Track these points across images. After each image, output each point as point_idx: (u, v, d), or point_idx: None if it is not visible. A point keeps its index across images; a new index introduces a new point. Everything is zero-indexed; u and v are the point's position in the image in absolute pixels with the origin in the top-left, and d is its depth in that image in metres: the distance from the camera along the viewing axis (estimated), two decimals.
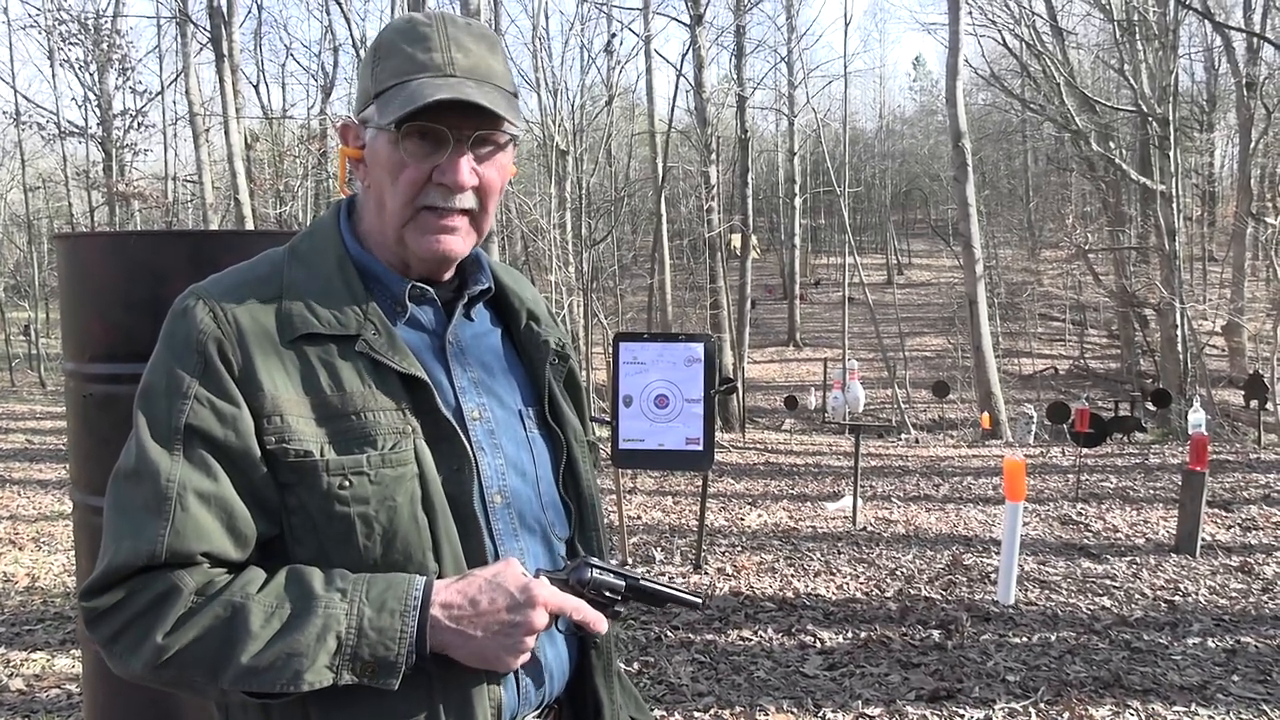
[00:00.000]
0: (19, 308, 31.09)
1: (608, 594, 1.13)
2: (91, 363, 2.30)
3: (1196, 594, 5.15)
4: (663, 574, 5.45)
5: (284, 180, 21.34)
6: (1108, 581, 5.39)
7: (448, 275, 1.23)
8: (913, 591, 5.17)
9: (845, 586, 5.27)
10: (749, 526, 6.92)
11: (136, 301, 2.23)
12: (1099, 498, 8.16)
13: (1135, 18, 23.84)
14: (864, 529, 6.80)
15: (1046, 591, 5.19)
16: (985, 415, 16.82)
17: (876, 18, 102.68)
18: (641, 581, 1.17)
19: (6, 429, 13.36)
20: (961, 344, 29.42)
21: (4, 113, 28.01)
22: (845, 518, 7.17)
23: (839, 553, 6.05)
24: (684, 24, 22.06)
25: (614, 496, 5.93)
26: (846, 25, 34.90)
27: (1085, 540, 6.52)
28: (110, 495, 1.06)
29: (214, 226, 16.49)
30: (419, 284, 1.18)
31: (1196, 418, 9.92)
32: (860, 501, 7.24)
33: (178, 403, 1.05)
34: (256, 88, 27.76)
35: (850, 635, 4.45)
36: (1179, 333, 21.62)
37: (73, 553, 4.74)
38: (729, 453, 11.86)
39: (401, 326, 1.16)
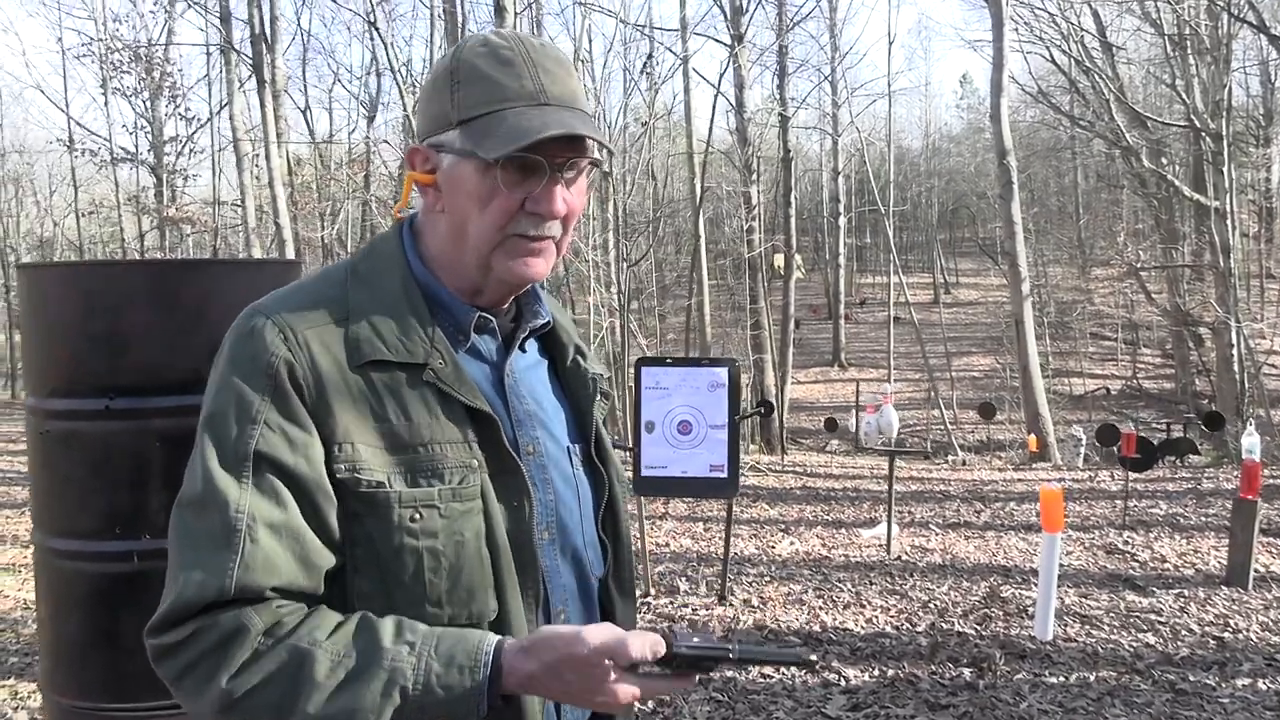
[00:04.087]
0: None
1: (701, 664, 1.05)
2: (50, 398, 2.21)
3: (1248, 630, 4.88)
4: (686, 605, 5.30)
5: (328, 203, 21.57)
6: (1153, 616, 5.14)
7: (506, 304, 1.22)
8: (945, 626, 4.96)
9: (875, 620, 5.07)
10: (780, 555, 6.73)
11: (94, 334, 2.14)
12: (1147, 525, 7.86)
13: (1186, 31, 23.36)
14: (898, 558, 6.59)
15: (1087, 627, 4.95)
16: (1033, 437, 16.43)
17: (921, 35, 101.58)
18: (738, 652, 1.05)
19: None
20: (1009, 364, 28.89)
21: (59, 140, 28.70)
22: (880, 545, 6.96)
23: (870, 583, 5.85)
24: (724, 44, 21.99)
25: (640, 522, 5.79)
26: (890, 43, 34.80)
27: (1130, 571, 6.26)
28: (175, 525, 1.03)
29: (256, 250, 16.67)
30: (485, 313, 1.16)
31: (1250, 441, 9.53)
32: (896, 528, 7.04)
33: (247, 428, 1.02)
34: (305, 113, 28.10)
35: (877, 673, 4.26)
36: (1235, 351, 21.04)
37: None
38: (766, 476, 11.66)
39: (463, 355, 1.15)
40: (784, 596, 5.51)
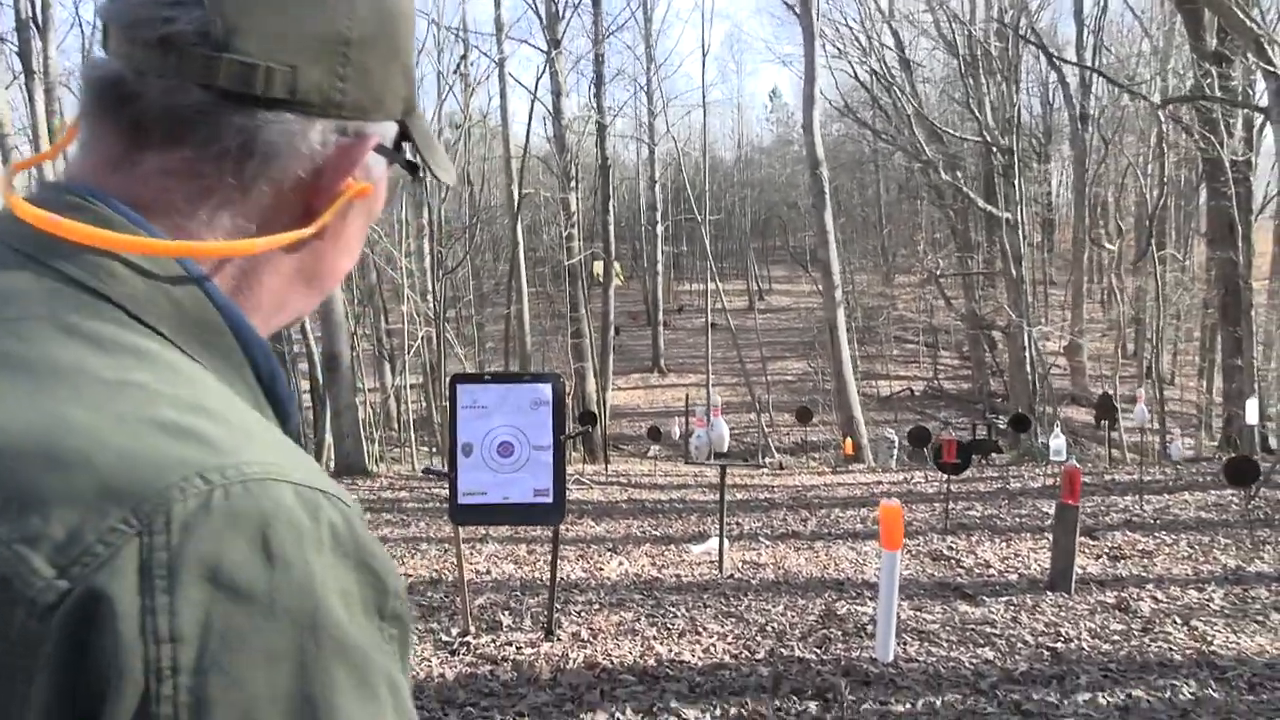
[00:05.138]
0: None
1: None
2: None
3: (1079, 639, 4.86)
4: (509, 642, 4.86)
5: None
6: (987, 628, 5.06)
7: None
8: (785, 651, 4.72)
9: (712, 649, 4.78)
10: (609, 578, 6.38)
11: None
12: (967, 529, 7.95)
13: (979, 52, 24.63)
14: (731, 576, 6.35)
15: (926, 644, 4.82)
16: (848, 440, 16.78)
17: (734, 49, 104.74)
18: None
19: None
20: (822, 367, 29.75)
21: None
22: (711, 562, 6.72)
23: (705, 606, 5.57)
24: (540, 49, 21.63)
25: (457, 552, 5.30)
26: (705, 55, 35.29)
27: (959, 578, 6.23)
28: None
29: None
30: None
31: (1058, 444, 9.93)
32: (727, 542, 6.80)
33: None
34: None
35: (719, 711, 3.95)
36: (1027, 354, 22.24)
37: None
38: (590, 489, 11.33)
39: None
40: (615, 626, 5.15)
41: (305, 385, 18.94)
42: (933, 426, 20.50)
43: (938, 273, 31.08)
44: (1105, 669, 4.42)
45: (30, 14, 13.99)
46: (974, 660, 4.57)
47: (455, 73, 20.46)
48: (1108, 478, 10.89)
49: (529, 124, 17.30)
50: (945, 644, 4.84)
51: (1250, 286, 16.81)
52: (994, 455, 15.05)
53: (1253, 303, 16.74)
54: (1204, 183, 21.41)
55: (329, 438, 14.42)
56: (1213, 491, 9.23)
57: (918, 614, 5.38)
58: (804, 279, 45.91)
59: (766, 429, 23.55)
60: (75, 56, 24.80)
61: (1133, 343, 31.72)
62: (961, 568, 6.57)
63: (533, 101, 19.76)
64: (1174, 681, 4.23)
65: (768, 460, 18.07)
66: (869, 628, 5.05)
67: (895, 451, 17.29)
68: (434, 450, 18.95)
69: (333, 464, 13.09)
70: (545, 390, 4.95)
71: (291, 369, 18.94)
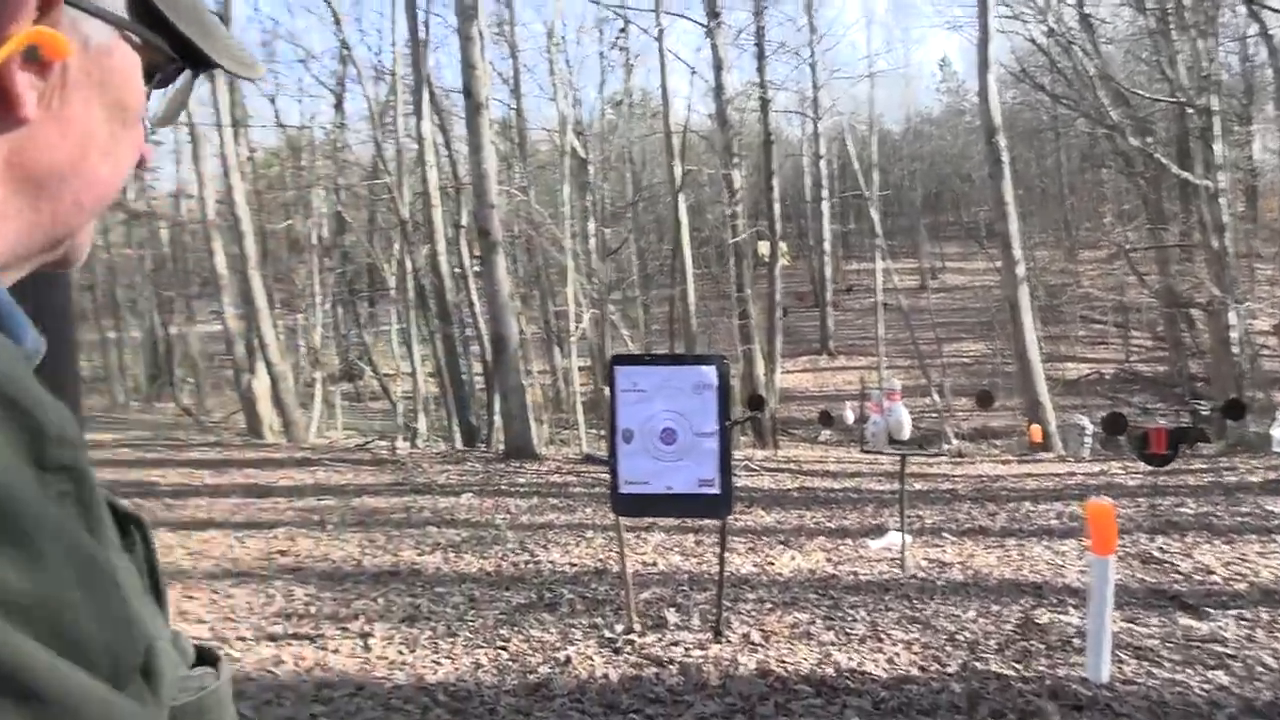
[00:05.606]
0: None
1: None
2: None
3: None
4: (676, 643, 4.55)
5: (297, 193, 20.72)
6: (1217, 647, 4.42)
7: None
8: (980, 666, 4.23)
9: (897, 659, 4.34)
10: (781, 574, 5.99)
11: None
12: (1179, 528, 7.16)
13: (1169, 4, 22.71)
14: (914, 575, 5.86)
15: (1145, 664, 4.23)
16: (1035, 427, 15.75)
17: (899, 16, 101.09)
18: None
19: None
20: (1002, 349, 28.33)
21: None
22: (892, 559, 6.24)
23: (887, 609, 5.12)
24: (700, 24, 21.22)
25: (619, 545, 5.02)
26: (870, 24, 34.02)
27: (1176, 586, 5.55)
28: None
29: (217, 245, 15.79)
30: None
31: None
32: (909, 537, 6.30)
33: None
34: (274, 101, 27.07)
35: None
36: (1232, 334, 20.46)
37: None
38: (761, 476, 10.92)
39: None
40: (789, 629, 4.77)
41: (478, 368, 19.24)
42: (1128, 412, 19.11)
43: (1127, 247, 29.07)
44: None
45: (215, 8, 14.55)
46: (1205, 685, 3.97)
47: (614, 46, 20.28)
48: None
49: (689, 99, 16.92)
50: (1167, 664, 4.24)
51: None
52: (1200, 445, 13.82)
53: None
54: None
55: (498, 420, 14.51)
56: None
57: (1131, 627, 4.77)
58: (980, 255, 44.00)
59: (943, 413, 22.55)
60: (259, 51, 25.84)
61: None
62: (1178, 573, 5.86)
63: (692, 76, 19.40)
64: None
65: (945, 446, 17.20)
66: (1075, 641, 4.50)
67: (1087, 440, 16.10)
68: (602, 434, 18.95)
69: (502, 446, 13.14)
70: (709, 373, 4.59)
71: (464, 352, 19.29)
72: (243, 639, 4.94)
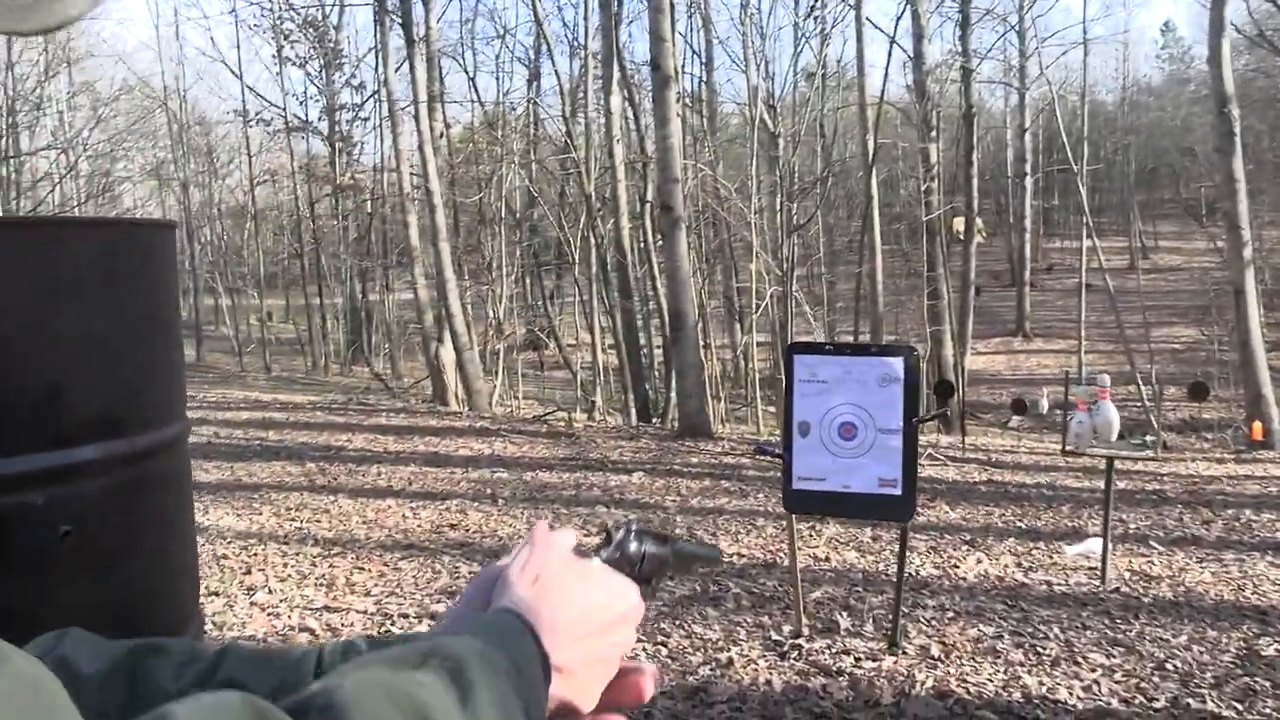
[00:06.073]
0: (250, 296, 32.81)
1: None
2: None
3: None
4: (846, 651, 4.28)
5: (490, 167, 21.18)
6: None
7: None
8: (1194, 703, 3.77)
9: (1095, 687, 3.92)
10: (965, 579, 5.59)
11: None
12: None
13: None
14: (1116, 589, 5.35)
15: None
16: (1257, 424, 14.42)
17: None
18: (683, 544, 0.88)
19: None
20: (1219, 336, 26.20)
21: (235, 111, 29.51)
22: (1090, 569, 5.73)
23: (1084, 627, 4.67)
24: None
25: (790, 544, 4.77)
26: None
27: None
28: None
29: (411, 218, 16.32)
30: None
31: None
32: (1110, 545, 5.77)
33: None
34: (473, 79, 27.72)
35: None
36: None
37: None
38: (945, 466, 10.38)
39: None
40: (972, 643, 4.41)
41: (658, 342, 19.23)
42: None
43: None
44: None
45: None
46: None
47: (809, 16, 19.70)
48: None
49: (886, 69, 16.25)
50: None
51: None
52: None
53: None
54: None
55: (673, 396, 14.43)
56: None
57: None
58: (1198, 234, 40.86)
59: (1149, 403, 21.01)
60: (457, 28, 26.51)
61: None
62: None
63: (891, 46, 18.63)
64: None
65: (1148, 438, 16.00)
66: None
67: None
68: (770, 433, 18.65)
69: (676, 423, 13.04)
70: (896, 365, 4.26)
71: (644, 326, 19.32)
72: (405, 615, 4.98)
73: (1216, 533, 7.03)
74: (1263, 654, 4.31)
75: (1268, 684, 3.97)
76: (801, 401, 4.30)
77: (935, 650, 4.30)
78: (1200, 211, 40.10)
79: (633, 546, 0.83)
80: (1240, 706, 3.76)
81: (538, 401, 21.10)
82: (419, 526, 7.00)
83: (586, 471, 9.19)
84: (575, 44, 22.60)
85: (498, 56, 36.15)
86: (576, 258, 19.75)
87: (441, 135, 19.06)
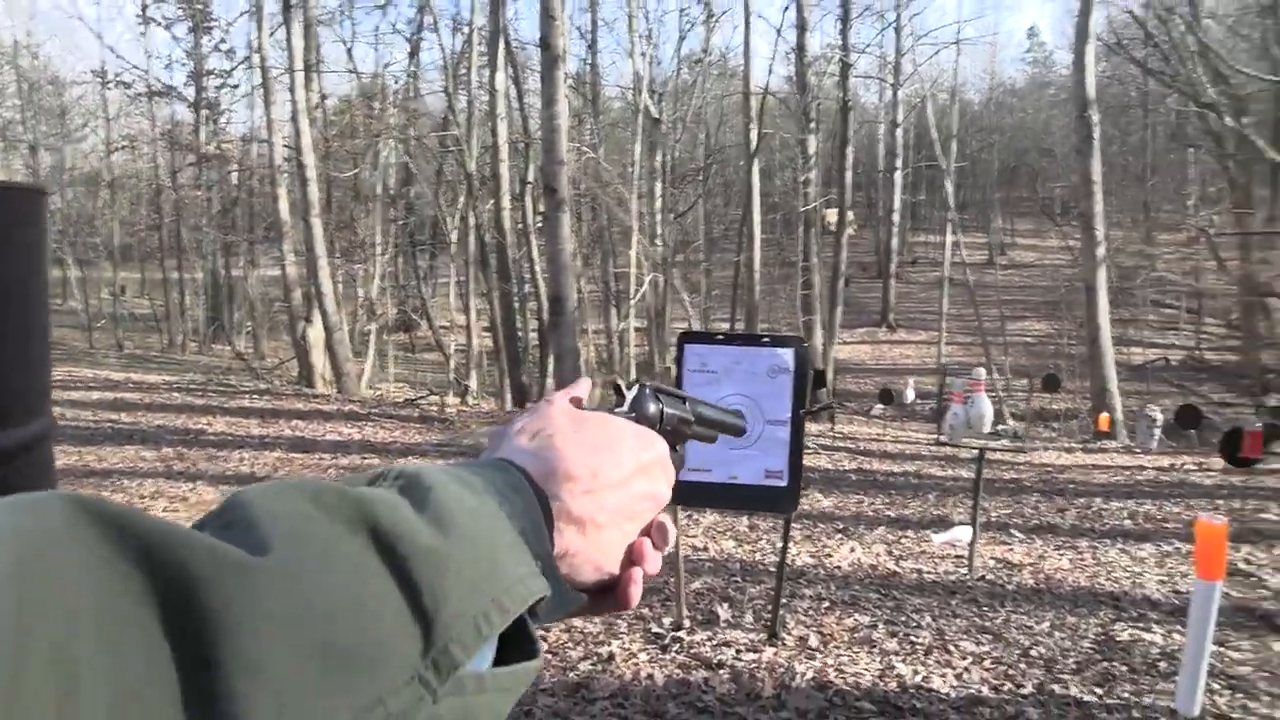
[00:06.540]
0: (103, 269, 31.16)
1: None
2: None
3: None
4: (727, 643, 4.31)
5: (366, 141, 20.60)
6: None
7: None
8: (1058, 689, 3.93)
9: (967, 675, 4.05)
10: (839, 567, 5.72)
11: None
12: (1266, 537, 6.75)
13: None
14: (982, 577, 5.55)
15: (1239, 696, 3.91)
16: (1104, 415, 15.23)
17: None
18: (703, 408, 0.87)
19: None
20: (1068, 330, 27.56)
21: (92, 71, 27.92)
22: (957, 557, 5.93)
23: (954, 615, 4.83)
24: None
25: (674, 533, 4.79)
26: None
27: (1264, 603, 5.18)
28: None
29: (281, 191, 15.74)
30: None
31: None
32: (977, 532, 5.98)
33: None
34: (350, 49, 26.83)
35: None
36: None
37: None
38: (817, 455, 10.63)
39: None
40: (849, 633, 4.50)
41: (534, 325, 19.09)
42: (1197, 403, 18.38)
43: (1214, 232, 28.06)
44: None
45: None
46: None
47: (697, 2, 19.81)
48: None
49: (770, 61, 16.51)
50: (1264, 696, 3.91)
51: None
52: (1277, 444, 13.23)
53: None
54: None
55: (550, 381, 14.35)
56: None
57: (1219, 649, 4.43)
58: (1052, 233, 42.88)
59: (1002, 393, 21.98)
60: None
61: None
62: (1267, 589, 5.49)
63: (777, 36, 18.88)
64: None
65: (1010, 426, 16.73)
66: (1160, 665, 4.19)
67: (1156, 431, 15.52)
68: None
69: None
70: (787, 356, 4.27)
71: (523, 309, 19.13)
72: None
73: (1071, 520, 7.38)
74: (1118, 639, 4.54)
75: (1124, 668, 4.18)
76: (691, 392, 4.29)
77: (814, 640, 4.38)
78: (1055, 210, 42.01)
79: (650, 407, 0.77)
80: (1100, 691, 3.94)
81: (409, 385, 20.71)
82: None
83: (461, 457, 9.03)
84: (459, 19, 22.17)
85: (377, 28, 35.15)
86: (454, 238, 19.42)
87: (317, 106, 18.46)
